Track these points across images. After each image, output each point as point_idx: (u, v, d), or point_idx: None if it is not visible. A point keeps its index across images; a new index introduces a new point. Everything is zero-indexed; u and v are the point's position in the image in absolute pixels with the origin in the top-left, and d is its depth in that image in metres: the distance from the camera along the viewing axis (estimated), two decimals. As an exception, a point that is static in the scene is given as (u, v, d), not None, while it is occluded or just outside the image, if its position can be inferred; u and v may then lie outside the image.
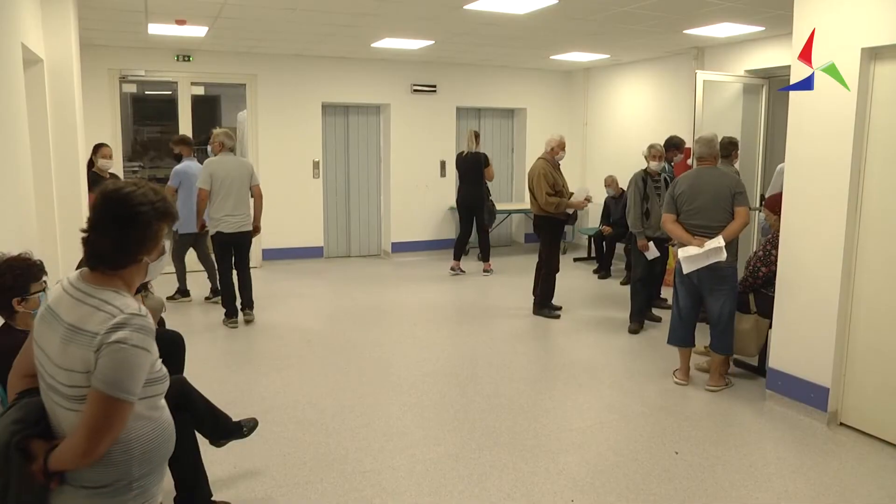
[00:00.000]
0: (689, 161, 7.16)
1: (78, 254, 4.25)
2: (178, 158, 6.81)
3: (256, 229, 6.18)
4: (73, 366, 1.57)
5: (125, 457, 1.63)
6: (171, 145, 6.99)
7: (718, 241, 4.37)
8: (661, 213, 4.90)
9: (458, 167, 8.46)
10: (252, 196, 6.08)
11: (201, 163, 6.44)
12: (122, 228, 1.62)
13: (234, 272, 6.16)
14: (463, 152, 8.36)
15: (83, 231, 1.66)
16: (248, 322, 6.20)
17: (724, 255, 4.37)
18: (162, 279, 5.26)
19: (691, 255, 4.47)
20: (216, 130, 6.15)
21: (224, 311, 6.13)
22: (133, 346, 1.55)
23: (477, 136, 8.34)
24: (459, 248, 8.51)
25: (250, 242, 6.21)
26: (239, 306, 6.19)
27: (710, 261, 4.41)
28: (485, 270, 8.44)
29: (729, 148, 5.75)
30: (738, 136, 6.44)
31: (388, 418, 4.17)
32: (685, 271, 4.55)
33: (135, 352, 1.56)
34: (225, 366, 5.08)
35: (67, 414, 1.60)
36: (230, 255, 6.06)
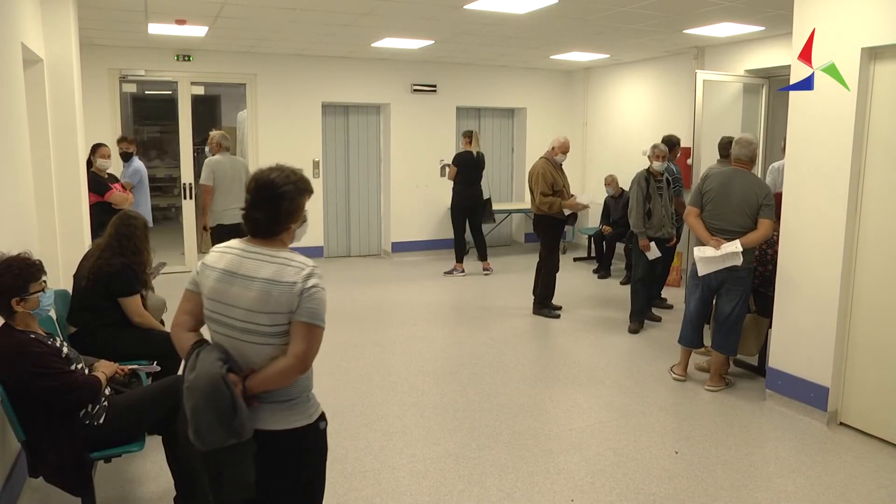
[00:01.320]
0: (689, 161, 7.17)
1: (77, 253, 4.27)
2: (126, 157, 6.96)
3: None
4: (277, 308, 1.99)
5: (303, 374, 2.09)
6: (126, 144, 7.01)
7: (736, 246, 4.31)
8: (685, 206, 4.82)
9: (468, 167, 8.16)
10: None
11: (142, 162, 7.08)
12: (273, 205, 2.06)
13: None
14: (472, 152, 8.13)
15: (242, 209, 2.15)
16: None
17: (739, 261, 4.33)
18: (161, 279, 5.27)
19: (707, 256, 4.44)
20: (213, 132, 6.65)
21: None
22: (322, 289, 2.05)
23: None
24: (462, 250, 8.48)
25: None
26: None
27: (725, 264, 4.38)
28: (485, 269, 8.44)
29: (728, 148, 5.74)
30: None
31: (388, 418, 4.17)
32: (700, 273, 4.51)
33: (323, 292, 2.05)
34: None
35: (262, 348, 2.03)
36: None
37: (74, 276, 3.64)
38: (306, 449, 2.12)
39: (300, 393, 2.11)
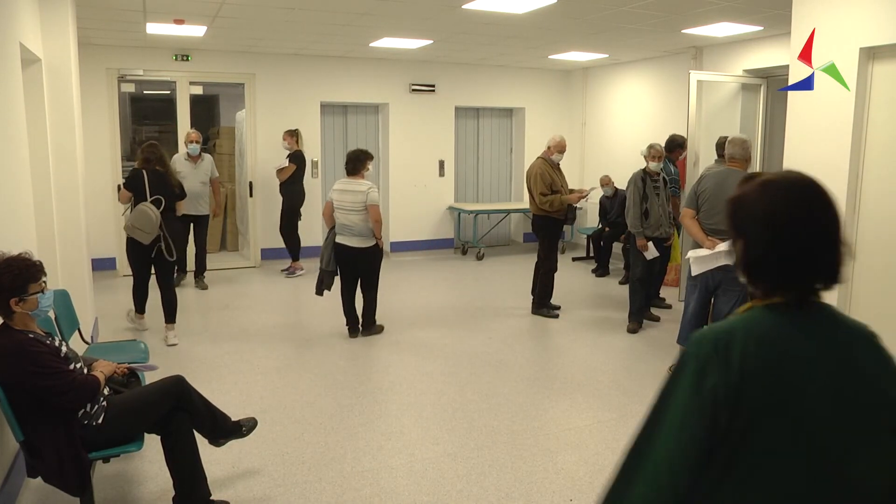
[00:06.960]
0: (682, 157, 7.17)
1: (77, 253, 4.29)
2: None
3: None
4: (364, 200, 5.39)
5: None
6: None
7: (728, 245, 4.31)
8: (681, 207, 4.82)
9: (302, 167, 8.02)
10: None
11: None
12: (358, 162, 5.57)
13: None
14: (302, 151, 7.99)
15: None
16: (200, 288, 7.42)
17: (732, 260, 4.32)
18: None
19: (701, 255, 4.44)
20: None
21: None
22: (375, 190, 5.51)
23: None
24: (299, 248, 8.17)
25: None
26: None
27: (717, 263, 4.37)
28: (295, 270, 8.18)
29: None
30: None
31: (387, 417, 4.18)
32: (694, 273, 4.51)
33: (376, 191, 5.55)
34: (224, 366, 5.08)
35: (357, 216, 5.41)
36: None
37: (157, 193, 5.29)
38: (373, 254, 5.56)
39: (369, 234, 5.42)
